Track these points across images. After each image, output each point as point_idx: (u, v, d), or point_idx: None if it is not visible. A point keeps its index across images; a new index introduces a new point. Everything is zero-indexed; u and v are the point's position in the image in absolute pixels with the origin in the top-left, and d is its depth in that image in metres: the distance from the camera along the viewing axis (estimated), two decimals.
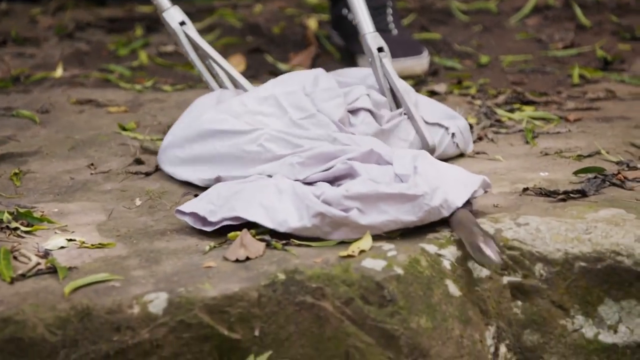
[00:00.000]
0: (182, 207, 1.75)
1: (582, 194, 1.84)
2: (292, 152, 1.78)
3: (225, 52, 2.55)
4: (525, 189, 1.86)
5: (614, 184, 1.89)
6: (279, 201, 1.67)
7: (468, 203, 1.69)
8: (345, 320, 1.55)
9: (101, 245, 1.65)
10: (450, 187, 1.66)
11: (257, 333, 1.55)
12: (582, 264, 1.68)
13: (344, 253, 1.60)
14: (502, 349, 1.68)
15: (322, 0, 3.30)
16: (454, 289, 1.64)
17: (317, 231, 1.65)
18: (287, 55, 2.87)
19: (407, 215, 1.63)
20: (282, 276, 1.57)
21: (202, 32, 2.68)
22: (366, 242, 1.62)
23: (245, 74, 2.25)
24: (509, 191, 1.88)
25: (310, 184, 1.75)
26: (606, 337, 1.70)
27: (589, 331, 1.70)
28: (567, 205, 1.80)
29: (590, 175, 1.92)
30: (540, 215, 1.74)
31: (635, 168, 1.97)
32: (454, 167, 1.79)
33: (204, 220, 1.70)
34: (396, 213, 1.62)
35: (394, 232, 1.66)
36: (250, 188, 1.73)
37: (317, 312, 1.55)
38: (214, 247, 1.66)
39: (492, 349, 1.67)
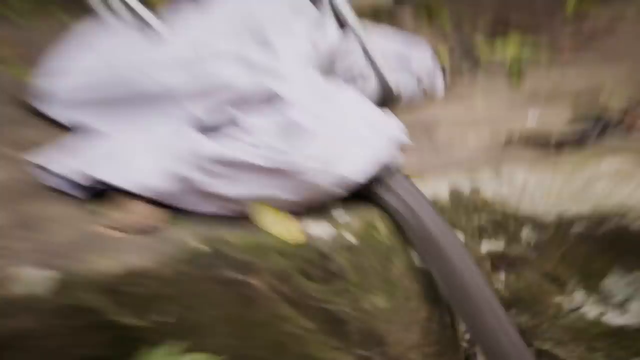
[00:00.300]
0: (47, 165, 1.43)
1: (580, 142, 1.52)
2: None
3: None
4: (510, 138, 1.53)
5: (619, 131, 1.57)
6: (144, 161, 1.39)
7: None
8: (281, 301, 1.22)
9: None
10: (353, 155, 1.33)
11: (171, 319, 1.22)
12: (581, 227, 1.34)
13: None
14: None
15: None
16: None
17: (183, 199, 1.34)
18: None
19: (288, 194, 1.30)
20: (204, 248, 1.23)
21: None
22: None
23: None
24: (489, 142, 1.55)
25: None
26: (613, 318, 1.35)
27: (592, 310, 1.36)
28: (562, 156, 1.47)
29: (589, 121, 1.60)
30: (528, 169, 1.40)
31: None
32: (371, 118, 1.44)
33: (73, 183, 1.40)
34: (274, 189, 1.30)
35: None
36: (120, 147, 1.46)
37: (246, 292, 1.22)
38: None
39: (466, 335, 1.34)
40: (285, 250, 1.24)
